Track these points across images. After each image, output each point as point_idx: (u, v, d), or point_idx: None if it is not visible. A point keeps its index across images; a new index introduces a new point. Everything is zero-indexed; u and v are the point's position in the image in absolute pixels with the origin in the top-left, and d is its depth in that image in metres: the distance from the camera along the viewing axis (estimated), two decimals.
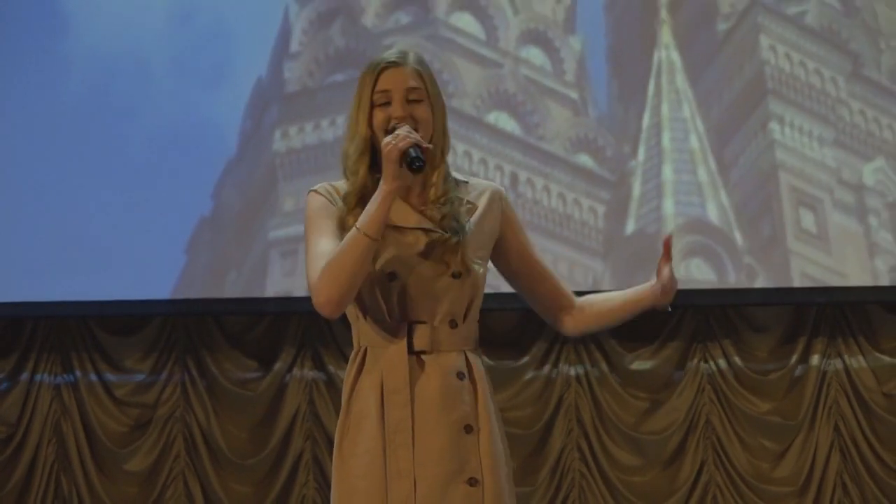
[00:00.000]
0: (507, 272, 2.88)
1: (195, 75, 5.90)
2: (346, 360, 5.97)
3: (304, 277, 2.67)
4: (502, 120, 5.76)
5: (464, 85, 5.60)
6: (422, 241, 2.71)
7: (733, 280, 5.70)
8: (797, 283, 5.67)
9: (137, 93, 5.89)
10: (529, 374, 5.88)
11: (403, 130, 2.61)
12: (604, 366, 5.88)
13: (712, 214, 5.72)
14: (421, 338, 2.69)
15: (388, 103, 2.72)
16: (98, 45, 5.93)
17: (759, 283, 5.70)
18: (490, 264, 2.84)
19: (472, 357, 2.75)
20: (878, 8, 5.84)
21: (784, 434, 5.81)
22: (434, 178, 2.74)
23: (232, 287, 5.81)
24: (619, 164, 5.80)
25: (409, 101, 2.72)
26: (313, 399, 5.89)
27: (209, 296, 5.84)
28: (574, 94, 5.82)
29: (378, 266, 2.67)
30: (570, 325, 2.89)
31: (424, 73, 2.76)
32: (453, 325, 2.72)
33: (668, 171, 5.60)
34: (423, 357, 2.69)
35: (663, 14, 5.79)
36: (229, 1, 5.92)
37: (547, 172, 5.64)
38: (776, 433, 5.81)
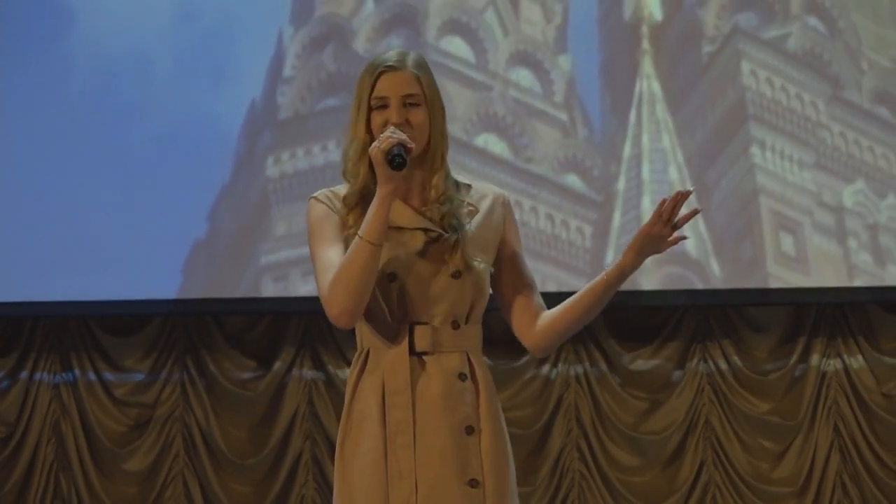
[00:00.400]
0: (493, 277, 2.85)
1: (198, 74, 5.90)
2: (346, 360, 6.04)
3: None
4: (492, 142, 5.79)
5: (454, 108, 5.63)
6: (421, 240, 2.71)
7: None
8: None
9: (138, 92, 5.89)
10: (529, 374, 5.88)
11: (388, 132, 2.62)
12: (603, 366, 5.88)
13: (689, 245, 5.74)
14: (422, 339, 2.69)
15: (385, 107, 2.72)
16: (100, 44, 5.93)
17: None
18: None
19: (474, 358, 2.74)
20: (862, 21, 5.85)
21: (783, 434, 5.81)
22: (434, 180, 2.74)
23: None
24: (606, 184, 5.83)
25: (405, 106, 2.72)
26: (313, 399, 5.89)
27: (208, 296, 5.84)
28: (563, 115, 5.86)
29: (378, 267, 2.66)
30: (539, 335, 2.80)
31: (422, 77, 2.75)
32: (455, 325, 2.72)
33: (647, 203, 5.63)
34: (424, 358, 2.69)
35: (645, 45, 5.81)
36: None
37: (534, 194, 5.67)
38: (776, 433, 5.81)
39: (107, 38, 5.93)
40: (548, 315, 2.79)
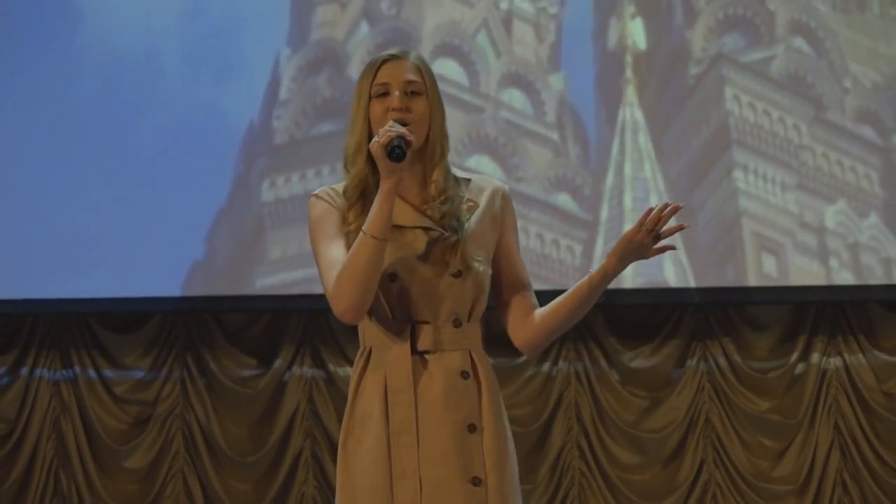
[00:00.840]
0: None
1: (204, 71, 5.91)
2: (346, 357, 6.04)
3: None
4: (483, 163, 5.82)
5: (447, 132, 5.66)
6: (421, 240, 2.70)
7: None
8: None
9: (141, 90, 5.89)
10: (529, 372, 5.87)
11: (387, 126, 2.61)
12: (603, 363, 5.88)
13: (669, 274, 5.76)
14: (424, 338, 2.69)
15: (386, 94, 2.71)
16: (107, 42, 5.93)
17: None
18: None
19: (476, 356, 2.74)
20: (851, 36, 5.86)
21: (784, 432, 5.80)
22: (434, 176, 2.74)
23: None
24: (597, 203, 5.85)
25: (407, 94, 2.72)
26: (313, 397, 5.89)
27: (209, 293, 5.84)
28: (554, 135, 5.88)
29: (383, 263, 2.66)
30: (529, 334, 2.79)
31: (424, 69, 2.76)
32: (457, 324, 2.71)
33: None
34: (426, 357, 2.69)
35: (628, 73, 5.83)
36: None
37: (525, 214, 5.70)
38: (776, 432, 5.80)
39: (113, 36, 5.93)
40: (538, 314, 2.79)
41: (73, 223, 5.80)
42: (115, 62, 5.92)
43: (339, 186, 2.78)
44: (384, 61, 2.73)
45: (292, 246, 5.76)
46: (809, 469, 5.77)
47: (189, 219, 5.82)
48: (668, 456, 5.81)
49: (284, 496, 5.84)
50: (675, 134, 5.80)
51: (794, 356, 5.85)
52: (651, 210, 2.63)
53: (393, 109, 2.69)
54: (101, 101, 5.91)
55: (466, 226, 2.72)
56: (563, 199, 5.81)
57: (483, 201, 2.79)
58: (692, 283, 5.76)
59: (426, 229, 2.70)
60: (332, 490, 5.70)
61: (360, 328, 2.75)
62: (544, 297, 2.84)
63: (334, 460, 5.69)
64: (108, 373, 5.97)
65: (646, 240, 2.63)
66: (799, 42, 5.87)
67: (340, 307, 2.62)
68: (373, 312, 2.70)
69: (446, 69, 5.81)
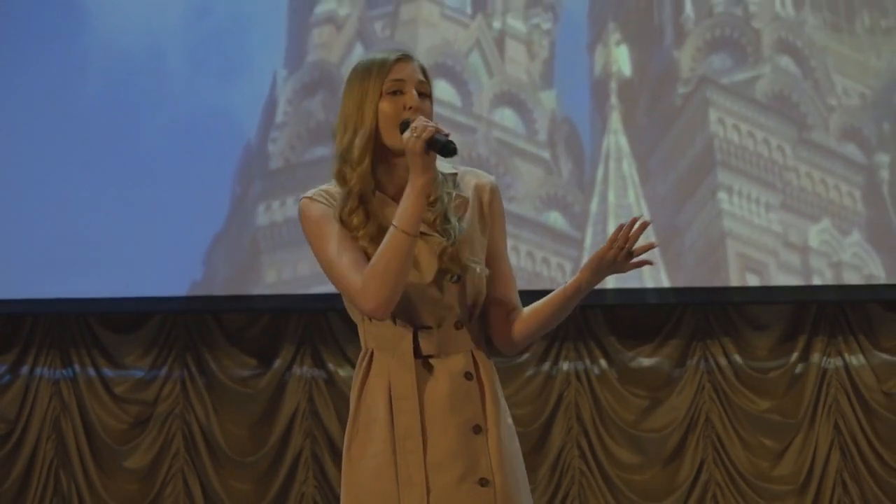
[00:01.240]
0: None
1: (209, 70, 5.91)
2: (346, 357, 6.04)
3: None
4: None
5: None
6: (419, 245, 2.66)
7: None
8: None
9: (146, 91, 5.90)
10: (529, 372, 5.87)
11: (420, 122, 2.58)
12: (604, 363, 5.88)
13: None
14: (427, 343, 2.67)
15: (398, 92, 2.68)
16: (113, 42, 5.94)
17: None
18: None
19: (478, 355, 2.73)
20: (840, 50, 5.88)
21: (784, 432, 5.80)
22: None
23: None
24: (587, 221, 5.87)
25: (418, 94, 2.69)
26: (313, 397, 5.89)
27: (209, 293, 5.84)
28: (545, 154, 5.89)
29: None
30: (509, 335, 2.78)
31: (427, 72, 2.75)
32: (458, 326, 2.70)
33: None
34: (430, 361, 2.67)
35: (613, 100, 5.84)
36: None
37: (516, 234, 5.71)
38: (776, 431, 5.80)
39: (118, 36, 5.94)
40: (517, 316, 2.78)
41: (73, 223, 5.81)
42: (119, 62, 5.92)
43: (330, 188, 2.73)
44: (397, 59, 2.70)
45: (287, 269, 5.80)
46: (809, 469, 5.77)
47: (189, 219, 5.82)
48: (669, 456, 5.81)
49: (284, 496, 5.84)
50: (662, 155, 5.83)
51: (795, 356, 5.85)
52: (622, 227, 2.63)
53: (410, 108, 2.66)
54: (103, 102, 5.91)
55: (460, 228, 2.69)
56: (554, 217, 5.83)
57: (472, 197, 2.76)
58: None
59: (423, 234, 2.67)
60: (333, 490, 5.72)
61: (361, 330, 2.74)
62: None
63: (334, 460, 5.72)
64: (108, 372, 5.97)
65: (618, 257, 2.63)
66: (785, 61, 5.90)
67: (371, 305, 2.59)
68: (359, 309, 2.68)
69: (439, 90, 5.82)
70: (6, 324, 5.99)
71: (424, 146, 2.55)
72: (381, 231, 2.63)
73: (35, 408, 5.94)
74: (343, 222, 2.67)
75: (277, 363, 5.93)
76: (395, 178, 2.71)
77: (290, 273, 5.78)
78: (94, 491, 5.87)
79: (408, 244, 2.57)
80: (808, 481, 5.76)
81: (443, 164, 2.73)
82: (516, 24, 5.98)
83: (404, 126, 2.63)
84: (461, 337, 2.70)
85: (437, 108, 2.82)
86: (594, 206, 5.81)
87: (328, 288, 2.80)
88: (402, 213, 2.57)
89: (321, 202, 2.71)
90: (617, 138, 5.84)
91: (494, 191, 2.81)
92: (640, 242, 2.65)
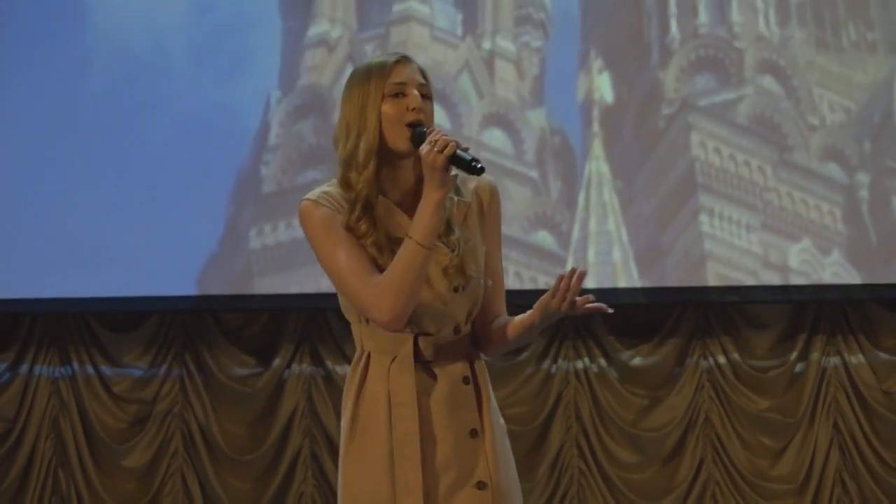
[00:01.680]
0: None
1: (212, 69, 5.91)
2: (345, 356, 6.02)
3: None
4: None
5: None
6: None
7: None
8: None
9: (147, 91, 5.89)
10: (528, 371, 5.87)
11: (438, 135, 2.54)
12: (603, 362, 5.88)
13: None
14: (427, 349, 2.66)
15: (400, 95, 2.65)
16: (116, 41, 5.94)
17: None
18: None
19: (474, 359, 2.73)
20: (827, 65, 5.88)
21: (783, 431, 5.80)
22: None
23: None
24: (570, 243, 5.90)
25: (420, 96, 2.66)
26: (312, 395, 5.88)
27: (207, 292, 5.84)
28: (534, 173, 5.89)
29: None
30: (482, 343, 2.78)
31: (426, 73, 2.72)
32: (456, 331, 2.69)
33: (591, 283, 5.72)
34: (429, 366, 2.66)
35: (595, 127, 5.85)
36: None
37: (505, 254, 5.71)
38: (775, 430, 5.80)
39: (121, 35, 5.94)
40: (493, 327, 2.76)
41: (73, 222, 5.80)
42: (121, 62, 5.92)
43: (331, 190, 2.68)
44: (396, 62, 2.67)
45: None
46: (809, 468, 5.76)
47: (189, 219, 5.82)
48: (668, 455, 5.81)
49: (283, 494, 5.84)
50: (646, 177, 5.84)
51: (794, 355, 5.85)
52: (562, 277, 2.61)
53: (413, 109, 2.64)
54: (105, 101, 5.90)
55: (464, 238, 2.67)
56: (542, 237, 5.84)
57: (474, 201, 2.75)
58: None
59: None
60: (332, 488, 5.72)
61: (356, 331, 2.72)
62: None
63: (333, 459, 5.72)
64: (107, 371, 5.97)
65: (561, 306, 2.61)
66: (768, 81, 5.91)
67: (387, 316, 2.56)
68: (372, 320, 2.65)
69: None
70: (5, 322, 5.99)
71: (445, 161, 2.53)
72: (389, 239, 2.62)
73: (34, 406, 5.94)
74: (350, 229, 2.63)
75: (276, 362, 5.92)
76: (399, 181, 2.69)
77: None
78: (92, 490, 5.86)
79: (423, 257, 2.55)
80: (807, 480, 5.76)
81: None
82: (506, 43, 5.99)
83: (418, 135, 2.60)
84: (459, 342, 2.70)
85: None
86: (575, 232, 5.82)
87: (326, 287, 2.78)
88: (419, 226, 2.55)
89: (325, 205, 2.65)
90: (598, 165, 5.86)
91: (494, 193, 2.80)
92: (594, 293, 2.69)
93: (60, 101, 5.89)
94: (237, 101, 5.92)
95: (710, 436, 5.81)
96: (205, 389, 5.92)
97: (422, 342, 2.66)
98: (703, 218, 5.78)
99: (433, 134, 2.56)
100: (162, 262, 5.77)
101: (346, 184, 2.66)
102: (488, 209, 2.78)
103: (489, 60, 5.98)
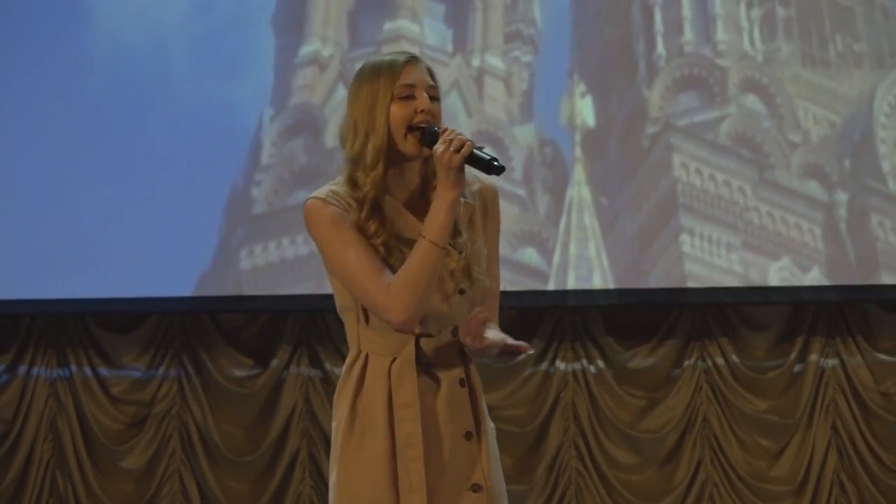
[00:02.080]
0: None
1: (212, 67, 5.91)
2: (343, 357, 5.96)
3: None
4: None
5: None
6: None
7: None
8: None
9: (148, 90, 5.89)
10: (526, 372, 5.87)
11: (453, 134, 2.53)
12: (601, 363, 5.87)
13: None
14: (428, 350, 2.66)
15: (410, 97, 2.64)
16: (116, 40, 5.94)
17: None
18: None
19: (468, 361, 2.71)
20: (813, 79, 5.90)
21: (781, 433, 5.80)
22: (434, 185, 2.64)
23: None
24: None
25: (429, 98, 2.66)
26: (310, 397, 5.88)
27: (205, 294, 5.84)
28: (521, 191, 5.90)
29: None
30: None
31: (435, 76, 2.71)
32: (455, 333, 2.68)
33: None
34: (428, 368, 2.66)
35: (577, 152, 5.85)
36: None
37: None
38: (773, 432, 5.80)
39: (122, 33, 5.94)
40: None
41: (71, 223, 5.80)
42: (121, 61, 5.92)
43: (337, 189, 2.67)
44: (406, 62, 2.66)
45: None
46: (807, 469, 5.76)
47: (189, 219, 5.82)
48: (666, 456, 5.81)
49: (281, 496, 5.83)
50: (628, 197, 5.85)
51: (792, 356, 5.85)
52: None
53: (422, 111, 2.63)
54: (104, 101, 5.91)
55: (470, 240, 2.67)
56: (529, 254, 5.84)
57: (477, 203, 2.74)
58: None
59: None
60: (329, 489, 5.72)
61: (352, 331, 2.71)
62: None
63: (329, 464, 5.71)
64: (105, 372, 5.97)
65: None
66: (751, 100, 5.92)
67: (401, 317, 2.55)
68: (373, 319, 2.65)
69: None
70: (3, 324, 5.98)
71: (461, 162, 2.52)
72: (398, 239, 2.61)
73: (32, 408, 5.93)
74: (360, 228, 2.62)
75: (274, 363, 5.92)
76: (405, 181, 2.68)
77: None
78: (90, 491, 5.86)
79: (437, 256, 2.54)
80: (805, 482, 5.76)
81: None
82: (495, 60, 6.00)
83: (430, 134, 2.60)
84: (456, 344, 2.68)
85: None
86: (556, 257, 5.83)
87: (324, 288, 2.78)
88: (433, 226, 2.54)
89: (334, 204, 2.63)
90: (580, 190, 5.87)
91: (495, 196, 2.79)
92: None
93: (60, 101, 5.89)
94: (237, 101, 5.92)
95: (708, 437, 5.80)
96: (203, 391, 5.92)
97: (423, 343, 2.65)
98: (685, 238, 5.80)
99: (447, 133, 2.55)
100: (160, 264, 5.77)
101: (352, 182, 2.65)
102: (490, 212, 2.77)
103: (478, 78, 5.99)
